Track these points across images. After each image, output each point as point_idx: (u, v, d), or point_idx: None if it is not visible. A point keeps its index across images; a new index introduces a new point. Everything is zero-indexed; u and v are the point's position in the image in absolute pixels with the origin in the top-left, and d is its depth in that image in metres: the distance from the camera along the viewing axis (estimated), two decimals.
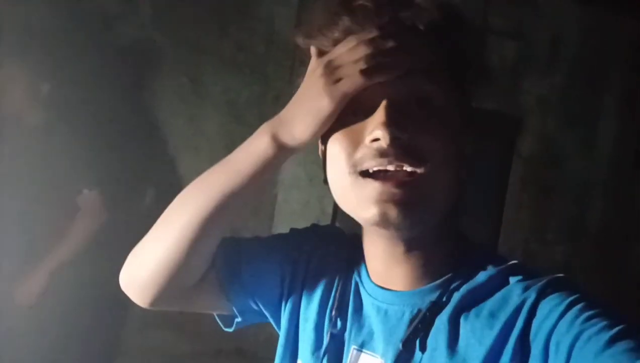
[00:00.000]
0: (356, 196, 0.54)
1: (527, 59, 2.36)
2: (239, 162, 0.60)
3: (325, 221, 1.84)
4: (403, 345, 0.56)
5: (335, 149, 0.55)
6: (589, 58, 2.51)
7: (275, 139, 0.58)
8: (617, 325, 0.45)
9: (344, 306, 0.63)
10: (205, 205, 0.60)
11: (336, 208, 1.81)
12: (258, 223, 1.74)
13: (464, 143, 0.57)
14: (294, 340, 0.66)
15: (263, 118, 2.00)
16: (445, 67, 0.56)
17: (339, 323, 0.62)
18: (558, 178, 2.57)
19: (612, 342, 0.44)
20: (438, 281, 0.58)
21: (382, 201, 0.52)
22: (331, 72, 0.53)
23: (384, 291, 0.60)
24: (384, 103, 0.53)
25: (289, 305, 0.67)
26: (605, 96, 2.61)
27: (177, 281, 0.63)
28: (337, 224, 1.94)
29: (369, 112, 0.54)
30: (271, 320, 0.69)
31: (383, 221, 0.52)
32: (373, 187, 0.52)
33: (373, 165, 0.52)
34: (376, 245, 0.59)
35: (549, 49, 2.42)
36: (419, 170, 0.52)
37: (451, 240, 0.60)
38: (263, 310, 0.68)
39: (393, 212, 0.52)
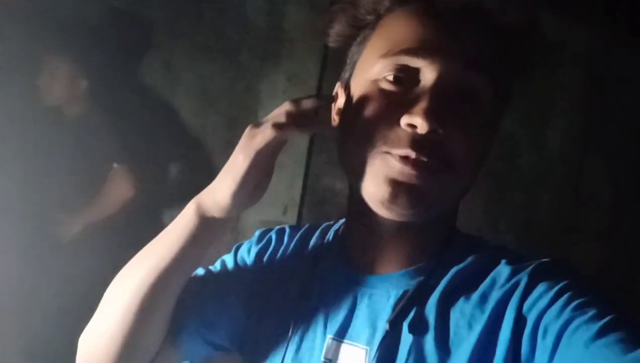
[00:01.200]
0: (371, 169, 0.50)
1: None
2: (169, 236, 0.57)
3: (294, 208, 1.83)
4: (390, 326, 0.51)
5: (366, 117, 0.50)
6: (544, 60, 2.58)
7: (199, 208, 0.55)
8: (608, 314, 0.43)
9: (311, 296, 0.58)
10: (143, 286, 0.56)
11: (303, 195, 1.81)
12: None
13: (491, 146, 0.54)
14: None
15: (234, 106, 1.98)
16: (503, 65, 0.51)
17: (305, 314, 0.57)
18: (511, 171, 2.65)
19: (602, 331, 0.42)
20: (425, 263, 0.54)
21: (398, 181, 0.48)
22: (252, 130, 0.52)
23: (365, 275, 0.56)
24: (430, 86, 0.48)
25: (253, 326, 0.61)
26: (556, 94, 2.70)
27: (132, 361, 0.58)
28: (304, 210, 1.95)
29: (409, 83, 0.49)
30: (231, 347, 0.63)
31: (390, 202, 0.49)
32: (392, 165, 0.49)
33: (402, 153, 0.48)
34: (366, 223, 0.54)
35: None
36: (442, 167, 0.49)
37: (441, 225, 0.56)
38: (227, 345, 0.63)
39: (404, 196, 0.49)
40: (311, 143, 1.73)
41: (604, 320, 0.42)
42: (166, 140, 1.78)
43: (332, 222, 0.66)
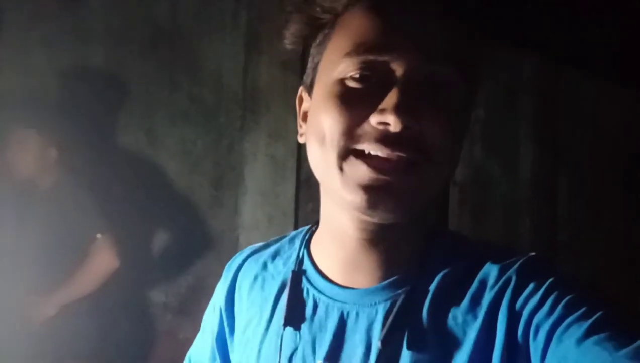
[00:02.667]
0: (344, 176, 0.47)
1: None
2: None
3: None
4: (382, 344, 0.48)
5: (331, 115, 0.47)
6: (504, 91, 2.69)
7: None
8: (597, 311, 0.41)
9: (294, 321, 0.53)
10: None
11: None
12: (222, 267, 1.69)
13: (463, 139, 0.51)
14: None
15: (218, 166, 2.00)
16: (468, 51, 0.49)
17: (286, 344, 0.53)
18: (489, 200, 2.69)
19: (593, 329, 0.40)
20: (408, 271, 0.50)
21: (374, 187, 0.45)
22: None
23: (349, 290, 0.52)
24: (399, 80, 0.45)
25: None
26: (522, 123, 2.79)
27: None
28: None
29: (379, 81, 0.46)
30: None
31: (370, 208, 0.46)
32: (365, 171, 0.46)
33: (371, 149, 0.45)
34: (345, 230, 0.51)
35: None
36: (417, 161, 0.46)
37: (420, 227, 0.53)
38: None
39: (383, 200, 0.46)
40: (297, 192, 1.75)
41: (594, 317, 0.41)
42: (152, 206, 1.77)
43: (302, 230, 0.62)
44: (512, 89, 2.68)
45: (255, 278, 0.60)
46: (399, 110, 0.44)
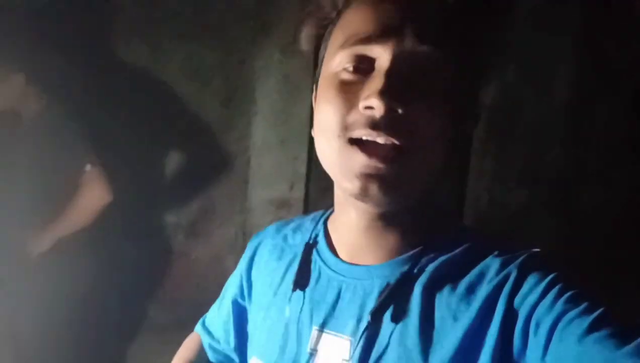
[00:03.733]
0: (341, 164, 0.51)
1: None
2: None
3: (299, 182, 1.82)
4: (372, 317, 0.52)
5: (328, 107, 0.51)
6: (544, 6, 2.51)
7: None
8: (598, 307, 0.43)
9: (301, 288, 0.60)
10: None
11: (309, 169, 1.79)
12: (233, 188, 1.71)
13: (461, 126, 0.53)
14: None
15: (229, 83, 1.94)
16: (461, 40, 0.51)
17: (293, 306, 0.59)
18: (518, 124, 2.61)
19: (594, 326, 0.42)
20: (410, 253, 0.55)
21: (366, 175, 0.49)
22: None
23: (351, 266, 0.57)
24: (385, 67, 0.49)
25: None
26: (562, 42, 2.63)
27: None
28: (310, 185, 1.93)
29: (368, 70, 0.50)
30: None
31: (363, 196, 0.50)
32: (359, 159, 0.49)
33: (363, 134, 0.49)
34: (351, 216, 0.56)
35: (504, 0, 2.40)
36: (408, 146, 0.49)
37: (427, 214, 0.57)
38: None
39: (374, 187, 0.49)
40: (311, 115, 1.70)
41: (595, 314, 0.42)
42: (160, 127, 1.75)
43: (325, 211, 0.67)
44: (558, 5, 2.49)
45: (275, 247, 0.67)
46: (382, 94, 0.47)
